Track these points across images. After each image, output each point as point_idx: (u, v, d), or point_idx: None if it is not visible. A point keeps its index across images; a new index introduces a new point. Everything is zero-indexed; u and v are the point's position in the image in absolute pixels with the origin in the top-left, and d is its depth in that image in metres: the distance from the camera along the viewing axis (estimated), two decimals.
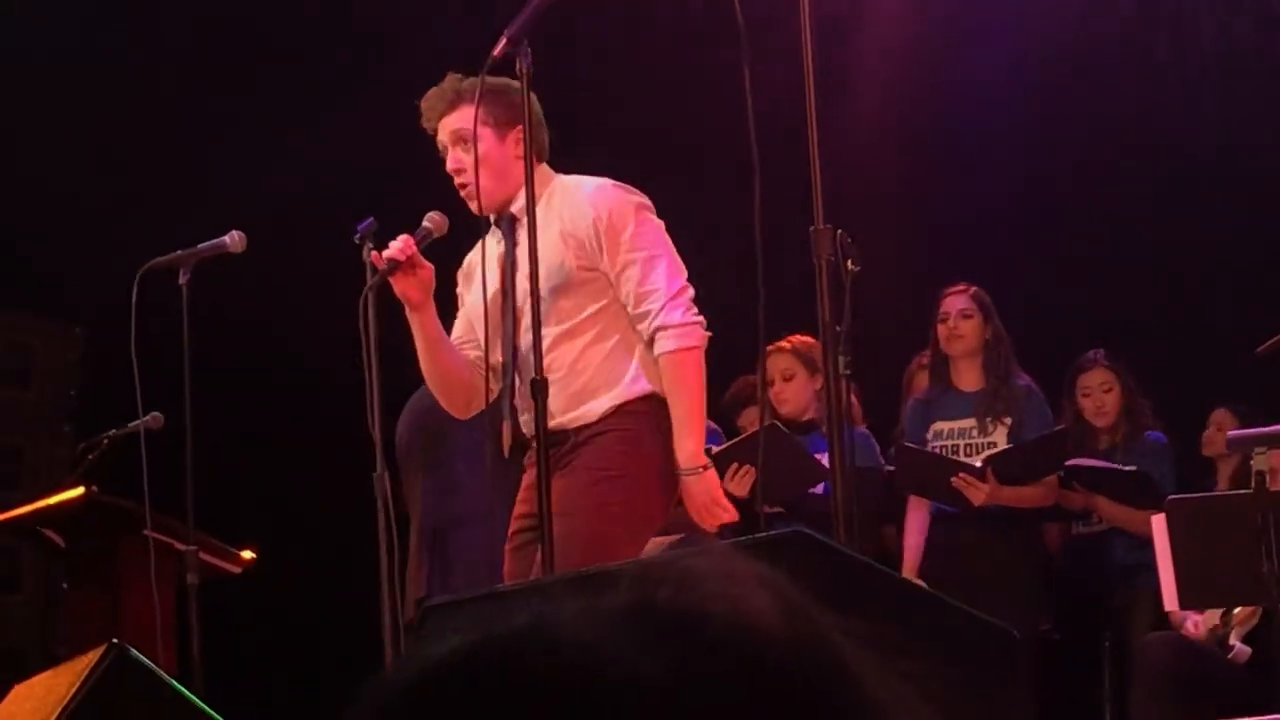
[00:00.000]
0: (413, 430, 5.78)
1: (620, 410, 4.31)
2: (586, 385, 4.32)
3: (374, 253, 4.25)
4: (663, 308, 4.31)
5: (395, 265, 4.22)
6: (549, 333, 4.27)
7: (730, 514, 4.41)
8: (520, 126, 4.18)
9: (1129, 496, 6.30)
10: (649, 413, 4.32)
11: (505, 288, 4.40)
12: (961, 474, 6.09)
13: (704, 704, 0.81)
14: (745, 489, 5.72)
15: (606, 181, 4.43)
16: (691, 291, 4.37)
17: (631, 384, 4.32)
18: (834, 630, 0.87)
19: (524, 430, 4.34)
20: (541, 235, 4.21)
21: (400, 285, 4.27)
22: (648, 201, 4.41)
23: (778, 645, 0.83)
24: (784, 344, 6.20)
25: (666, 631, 0.83)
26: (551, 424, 4.21)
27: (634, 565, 0.92)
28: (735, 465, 5.81)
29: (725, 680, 0.82)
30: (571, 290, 4.32)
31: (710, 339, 4.39)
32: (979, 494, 6.05)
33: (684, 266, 4.40)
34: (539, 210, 4.24)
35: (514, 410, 4.37)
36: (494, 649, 0.84)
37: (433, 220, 4.37)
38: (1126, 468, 6.37)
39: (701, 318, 4.35)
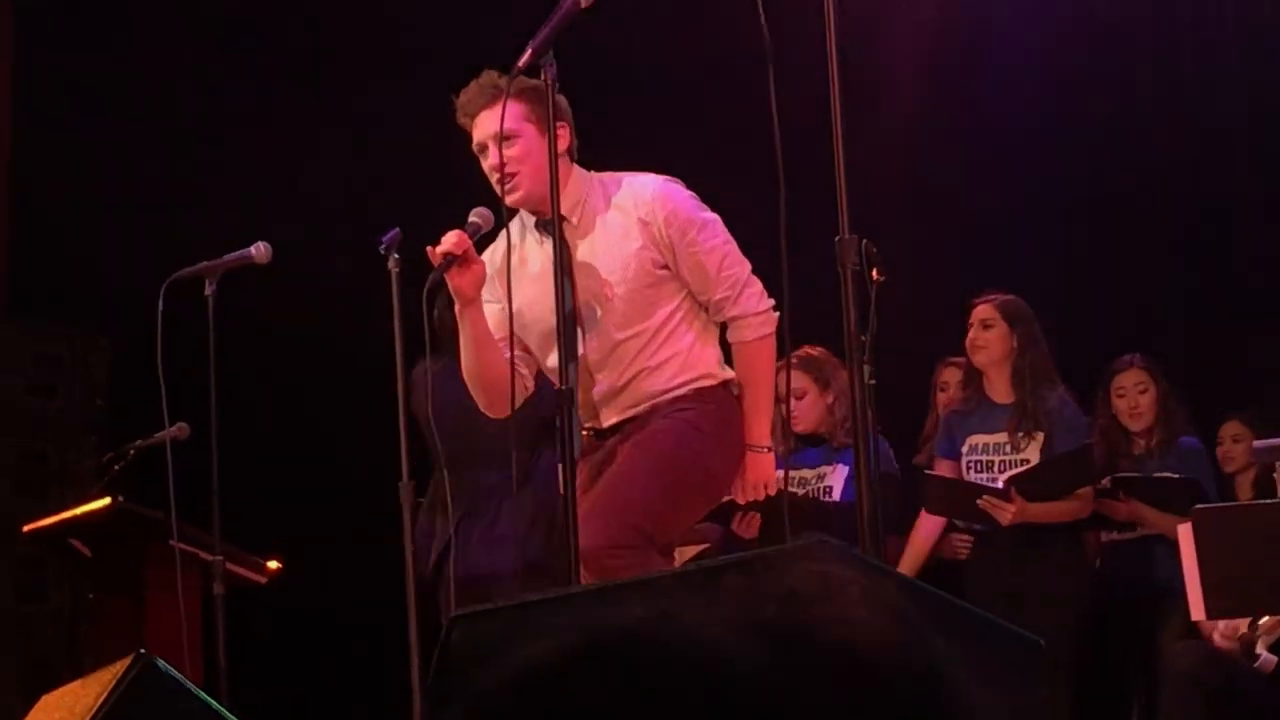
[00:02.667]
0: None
1: (695, 394, 4.40)
2: (658, 382, 4.39)
3: (428, 248, 4.24)
4: (739, 296, 4.42)
5: (452, 259, 4.22)
6: (622, 333, 4.34)
7: (773, 490, 4.50)
8: (560, 124, 4.19)
9: (1177, 505, 6.19)
10: (724, 396, 4.43)
11: (559, 291, 4.37)
12: (986, 497, 6.07)
13: (816, 715, 0.82)
14: (753, 531, 5.83)
15: (659, 176, 4.46)
16: (758, 280, 4.45)
17: (706, 375, 4.42)
18: (938, 644, 0.88)
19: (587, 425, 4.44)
20: (602, 234, 4.33)
21: (455, 280, 4.26)
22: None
23: (884, 659, 0.85)
24: (792, 359, 6.15)
25: (777, 645, 0.83)
26: (619, 417, 4.37)
27: (736, 572, 0.92)
28: (741, 514, 5.85)
29: (835, 693, 0.83)
30: (644, 287, 4.36)
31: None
32: (1005, 515, 6.02)
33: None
34: (587, 209, 4.37)
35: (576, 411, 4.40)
36: (605, 649, 0.84)
37: (480, 215, 4.37)
38: (1178, 476, 6.30)
39: (772, 300, 4.44)
